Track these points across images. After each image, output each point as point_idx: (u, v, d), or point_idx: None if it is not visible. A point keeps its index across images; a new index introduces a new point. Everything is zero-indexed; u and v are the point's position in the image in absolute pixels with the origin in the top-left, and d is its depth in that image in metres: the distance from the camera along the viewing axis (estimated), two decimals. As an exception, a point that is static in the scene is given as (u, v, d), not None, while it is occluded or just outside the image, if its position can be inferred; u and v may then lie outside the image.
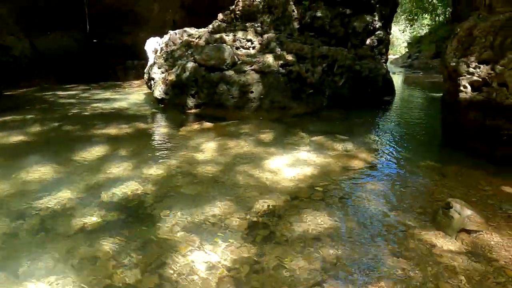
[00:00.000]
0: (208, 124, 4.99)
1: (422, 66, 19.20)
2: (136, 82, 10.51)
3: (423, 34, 28.40)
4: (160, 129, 4.95)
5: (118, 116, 5.84)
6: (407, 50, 28.07)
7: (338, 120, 5.74)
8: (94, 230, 2.32)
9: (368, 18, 8.65)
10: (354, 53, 7.58)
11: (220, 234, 2.28)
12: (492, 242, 2.17)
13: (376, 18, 8.76)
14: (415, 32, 30.11)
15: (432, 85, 12.41)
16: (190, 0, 11.49)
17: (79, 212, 2.55)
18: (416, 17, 25.03)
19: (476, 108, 3.58)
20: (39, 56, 10.43)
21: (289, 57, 6.33)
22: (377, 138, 4.65)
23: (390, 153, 4.02)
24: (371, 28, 8.69)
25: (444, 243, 2.18)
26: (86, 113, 6.01)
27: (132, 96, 7.86)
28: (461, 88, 3.67)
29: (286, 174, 3.26)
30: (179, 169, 3.41)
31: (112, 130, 4.83)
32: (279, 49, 6.42)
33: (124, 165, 3.49)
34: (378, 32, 8.85)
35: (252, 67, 5.91)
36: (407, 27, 29.41)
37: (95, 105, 6.74)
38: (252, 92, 5.75)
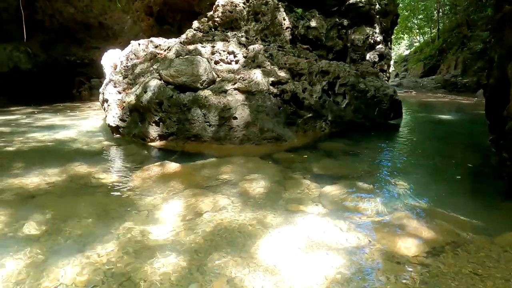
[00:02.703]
0: (173, 166, 3.51)
1: (412, 85, 18.44)
2: (99, 103, 8.95)
3: (407, 53, 28.15)
4: (104, 175, 3.43)
5: (54, 153, 4.30)
6: (393, 68, 27.64)
7: (347, 155, 4.38)
8: None
9: (367, 30, 7.52)
10: (355, 69, 6.34)
11: None
12: None
13: (377, 31, 7.65)
14: (399, 51, 29.92)
15: (432, 105, 11.39)
16: (159, 7, 10.05)
17: None
18: (402, 35, 24.64)
19: None
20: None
21: (282, 74, 5.00)
22: (410, 185, 3.28)
23: (443, 216, 2.65)
24: (372, 41, 7.55)
25: None
26: (10, 148, 4.44)
27: (86, 122, 6.32)
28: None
29: (295, 281, 1.82)
30: (114, 267, 1.91)
31: (32, 179, 3.28)
32: (269, 63, 5.09)
33: (17, 263, 1.96)
34: (379, 46, 7.73)
35: (236, 86, 4.53)
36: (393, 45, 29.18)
37: (31, 135, 5.17)
38: (235, 118, 4.35)
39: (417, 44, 29.89)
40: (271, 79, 4.81)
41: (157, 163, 3.54)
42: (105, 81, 5.46)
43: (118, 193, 2.98)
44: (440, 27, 23.56)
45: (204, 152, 4.25)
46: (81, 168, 3.64)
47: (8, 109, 7.84)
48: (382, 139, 5.46)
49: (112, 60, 5.82)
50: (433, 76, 19.26)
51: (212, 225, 2.40)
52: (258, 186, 3.15)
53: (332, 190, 3.10)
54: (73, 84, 12.14)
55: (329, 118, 5.32)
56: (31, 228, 2.39)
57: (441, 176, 3.73)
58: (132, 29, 12.37)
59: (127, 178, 3.31)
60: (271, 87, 4.77)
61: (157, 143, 4.48)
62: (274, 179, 3.34)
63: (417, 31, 25.86)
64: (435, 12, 23.96)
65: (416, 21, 25.95)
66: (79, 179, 3.31)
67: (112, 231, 2.32)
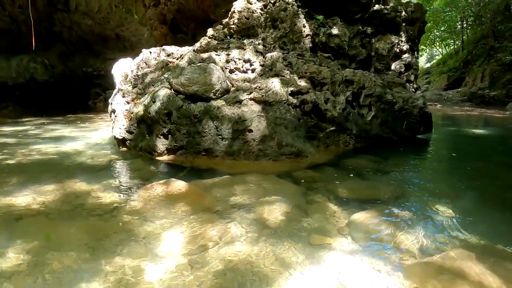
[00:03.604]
0: (180, 185, 3.10)
1: (436, 98, 17.67)
2: (112, 114, 8.74)
3: (429, 65, 27.37)
4: (103, 194, 3.06)
5: (55, 167, 3.98)
6: (413, 81, 26.88)
7: (375, 174, 3.88)
8: None
9: (393, 39, 7.05)
10: (381, 80, 5.86)
11: None
12: None
13: (403, 39, 7.16)
14: (420, 64, 29.15)
15: (461, 119, 10.72)
16: (173, 15, 9.80)
17: None
18: (424, 47, 23.96)
19: None
20: (-4, 83, 8.81)
21: (302, 83, 4.59)
22: (456, 213, 2.77)
23: (509, 256, 2.13)
24: (397, 50, 7.07)
25: None
26: (10, 161, 4.15)
27: (96, 134, 6.05)
28: None
29: None
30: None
31: (23, 198, 2.94)
32: (288, 72, 4.69)
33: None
34: (405, 55, 7.23)
35: (251, 96, 4.14)
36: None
37: (36, 147, 4.90)
38: (250, 131, 3.94)
39: (438, 56, 29.10)
40: (291, 88, 4.40)
41: (162, 181, 3.14)
42: (114, 91, 5.18)
43: (116, 217, 2.58)
44: (464, 38, 22.77)
45: (215, 168, 3.84)
46: (79, 186, 3.28)
47: (20, 120, 7.71)
48: (413, 156, 4.93)
49: (122, 69, 5.55)
50: (458, 89, 18.45)
51: (221, 263, 1.96)
52: (275, 211, 2.71)
53: (362, 218, 2.62)
54: (89, 96, 12.09)
55: (353, 132, 4.84)
56: (7, 260, 2.01)
57: (490, 201, 3.18)
58: (149, 41, 12.28)
59: (128, 199, 2.92)
60: (290, 97, 4.36)
61: (165, 158, 4.11)
62: (294, 203, 2.89)
63: (440, 43, 25.10)
64: (457, 24, 23.25)
65: (438, 33, 25.25)
66: (75, 199, 2.95)
67: (101, 267, 1.92)
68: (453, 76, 20.34)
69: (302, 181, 3.53)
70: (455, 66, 21.04)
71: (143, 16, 11.23)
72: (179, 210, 2.68)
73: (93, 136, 5.82)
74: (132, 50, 12.54)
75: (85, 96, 12.33)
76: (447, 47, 25.89)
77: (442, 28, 24.66)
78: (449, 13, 21.99)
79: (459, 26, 23.06)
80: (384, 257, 2.08)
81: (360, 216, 2.63)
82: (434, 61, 27.75)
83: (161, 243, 2.19)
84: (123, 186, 3.29)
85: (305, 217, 2.64)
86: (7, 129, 6.36)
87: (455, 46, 23.89)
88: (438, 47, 26.99)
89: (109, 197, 2.96)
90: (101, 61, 12.47)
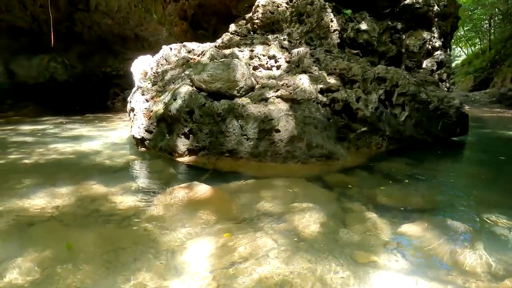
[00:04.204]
0: (203, 189, 2.84)
1: (462, 100, 16.89)
2: (130, 114, 8.62)
3: (453, 65, 26.41)
4: (120, 198, 2.83)
5: (72, 167, 3.80)
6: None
7: (414, 179, 3.52)
8: None
9: (424, 35, 6.64)
10: (413, 78, 5.47)
11: None
12: None
13: (435, 35, 6.73)
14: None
15: (494, 121, 10.15)
16: (194, 10, 9.59)
17: None
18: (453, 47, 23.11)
19: None
20: (17, 83, 8.80)
21: (332, 80, 4.27)
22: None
23: None
24: (429, 47, 6.65)
25: None
26: (26, 161, 4.00)
27: (114, 133, 5.90)
28: None
29: None
30: None
31: (37, 201, 2.75)
32: (316, 68, 4.38)
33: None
34: (438, 52, 6.80)
35: (278, 93, 3.86)
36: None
37: (53, 146, 4.76)
38: (277, 131, 3.65)
39: (461, 56, 28.10)
40: (320, 86, 4.09)
41: (183, 185, 2.89)
42: (133, 89, 4.99)
43: (134, 225, 2.34)
44: (491, 38, 21.83)
45: (239, 171, 3.57)
46: (96, 188, 3.07)
47: (40, 119, 7.66)
48: (451, 160, 4.54)
49: (142, 66, 5.37)
50: (486, 90, 17.62)
51: (253, 283, 1.68)
52: (309, 221, 2.41)
53: (411, 231, 2.29)
54: (108, 96, 12.08)
55: (386, 133, 4.49)
56: (15, 273, 1.79)
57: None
58: (168, 40, 12.18)
59: (148, 204, 2.68)
60: (319, 95, 4.05)
61: (186, 159, 3.87)
62: (329, 211, 2.59)
63: (465, 42, 24.17)
64: (484, 23, 22.33)
65: (462, 32, 24.33)
66: (91, 203, 2.73)
67: (118, 285, 1.67)
68: (480, 77, 19.49)
69: (334, 186, 3.22)
70: (482, 67, 20.17)
71: (162, 15, 11.14)
72: (203, 217, 2.41)
73: (110, 136, 5.66)
74: (150, 49, 12.48)
75: (103, 96, 12.34)
76: (472, 46, 24.92)
77: (467, 27, 23.74)
78: (476, 11, 21.13)
79: (486, 25, 22.13)
80: (444, 280, 1.76)
81: (408, 229, 2.30)
82: (458, 61, 26.78)
83: (183, 256, 1.93)
84: (142, 189, 3.06)
85: (343, 228, 2.33)
86: (26, 127, 6.28)
87: (482, 46, 22.95)
88: (463, 47, 26.03)
89: (126, 202, 2.73)
90: (120, 61, 12.47)
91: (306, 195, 2.93)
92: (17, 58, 9.29)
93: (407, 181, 3.43)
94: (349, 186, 3.26)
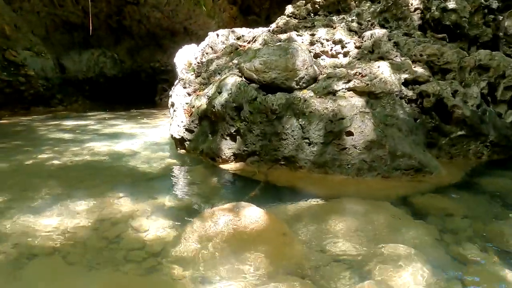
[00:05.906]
0: (252, 214, 2.07)
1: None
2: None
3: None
4: (148, 222, 2.13)
5: (102, 173, 3.25)
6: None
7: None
8: None
9: (527, 15, 5.28)
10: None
11: None
12: None
13: (541, 15, 5.34)
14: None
15: None
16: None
17: None
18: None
19: None
20: (67, 77, 8.74)
21: (418, 69, 3.30)
22: None
23: None
24: (533, 30, 5.28)
25: None
26: (56, 162, 3.54)
27: (156, 131, 5.39)
28: None
29: None
30: None
31: (49, 220, 2.18)
32: (398, 54, 3.43)
33: None
34: (544, 36, 5.40)
35: (350, 85, 2.99)
36: None
37: (89, 145, 4.31)
38: (350, 133, 2.79)
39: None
40: (404, 76, 3.15)
41: (227, 205, 2.15)
42: (176, 82, 4.40)
43: (159, 269, 1.65)
44: None
45: (299, 186, 2.77)
46: (121, 204, 2.44)
47: (85, 114, 7.47)
48: None
49: (186, 57, 4.76)
50: None
51: None
52: (408, 278, 1.55)
53: None
54: (156, 91, 11.88)
55: (490, 139, 3.41)
56: None
57: None
58: (216, 33, 11.73)
59: (177, 233, 1.98)
60: (403, 87, 3.11)
61: (231, 166, 3.15)
62: (433, 260, 1.72)
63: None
64: None
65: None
66: (111, 228, 2.09)
67: None
68: None
69: (431, 214, 2.31)
70: None
71: (211, 9, 10.66)
72: (251, 264, 1.65)
73: (151, 134, 5.15)
74: (198, 44, 12.12)
75: (152, 91, 12.18)
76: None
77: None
78: None
79: None
80: None
81: None
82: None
83: None
84: (176, 208, 2.38)
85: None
86: (68, 123, 6.02)
87: None
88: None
89: (154, 229, 2.06)
90: (169, 56, 12.19)
91: (394, 230, 2.06)
92: (69, 52, 9.30)
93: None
94: (451, 214, 2.32)
